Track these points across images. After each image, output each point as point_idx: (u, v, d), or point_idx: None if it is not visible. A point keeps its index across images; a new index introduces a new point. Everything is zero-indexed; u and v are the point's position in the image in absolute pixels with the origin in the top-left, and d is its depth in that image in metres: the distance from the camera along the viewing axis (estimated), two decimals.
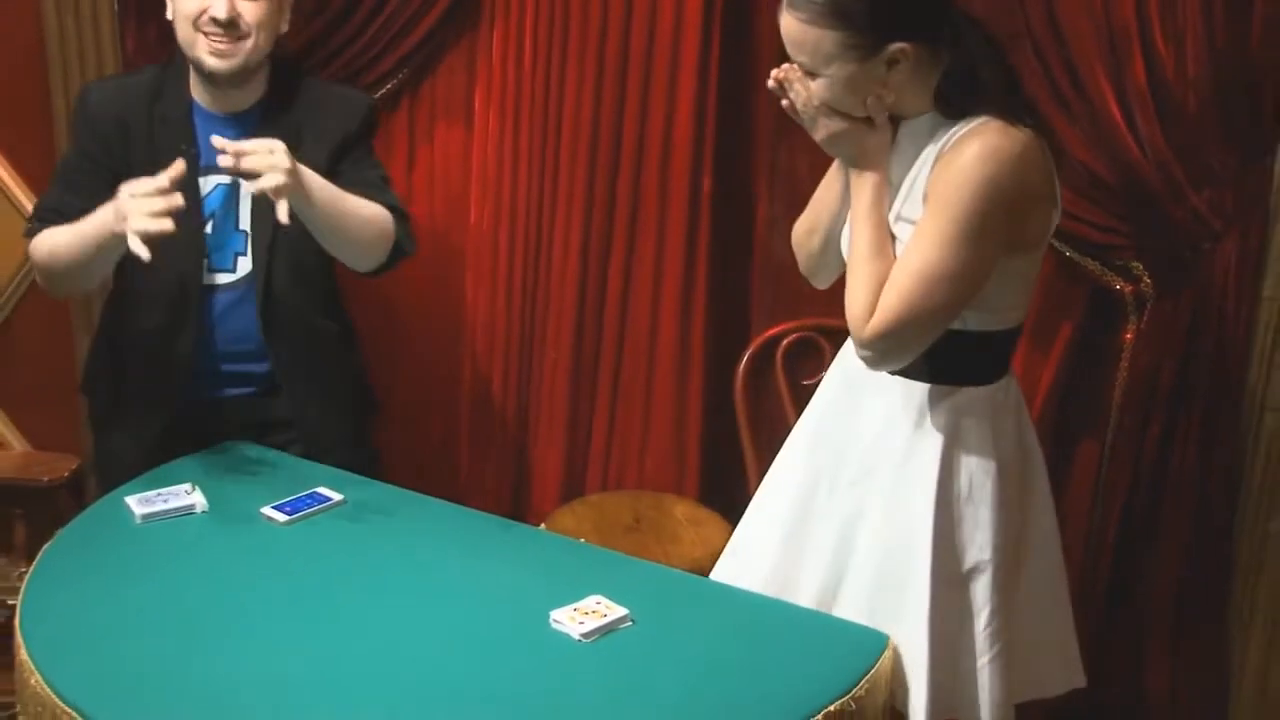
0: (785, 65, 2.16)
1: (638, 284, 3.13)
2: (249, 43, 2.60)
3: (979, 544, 2.23)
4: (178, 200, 2.32)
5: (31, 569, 2.33)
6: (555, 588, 2.21)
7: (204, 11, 2.57)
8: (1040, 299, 2.81)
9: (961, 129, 2.11)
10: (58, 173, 2.76)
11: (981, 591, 2.23)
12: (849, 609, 2.26)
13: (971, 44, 2.15)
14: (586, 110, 3.03)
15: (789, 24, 2.09)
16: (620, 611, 2.13)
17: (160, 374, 2.77)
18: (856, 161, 2.18)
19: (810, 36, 2.07)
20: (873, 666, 2.08)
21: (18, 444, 3.48)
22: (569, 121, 3.05)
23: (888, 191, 2.18)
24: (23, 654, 2.08)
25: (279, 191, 2.32)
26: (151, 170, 2.46)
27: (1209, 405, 2.73)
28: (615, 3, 2.96)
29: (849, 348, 2.35)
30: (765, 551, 2.40)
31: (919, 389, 2.23)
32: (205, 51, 2.60)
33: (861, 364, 2.26)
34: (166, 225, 2.29)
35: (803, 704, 1.97)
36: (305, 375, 2.84)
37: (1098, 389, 2.86)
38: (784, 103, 2.19)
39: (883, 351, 2.15)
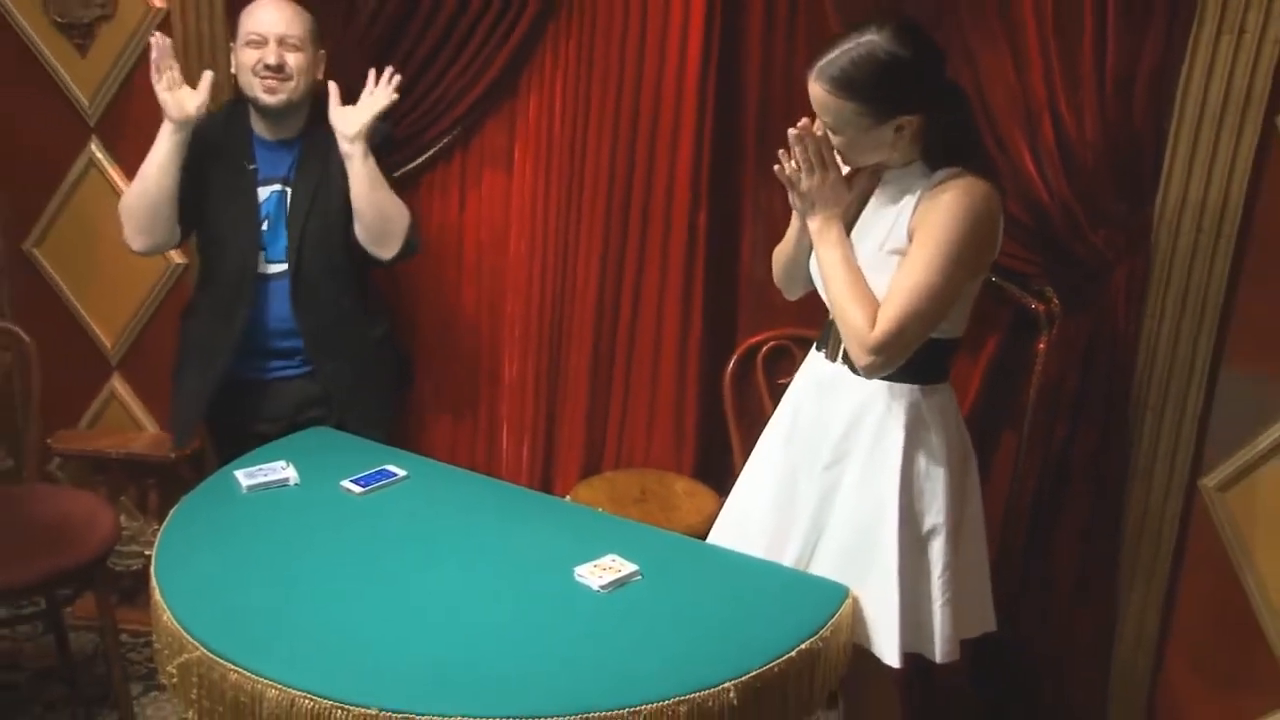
0: (801, 123, 2.19)
1: (645, 300, 3.15)
2: (292, 83, 2.76)
3: (934, 513, 2.28)
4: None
5: (162, 528, 2.35)
6: (577, 548, 2.23)
7: (260, 60, 2.73)
8: (972, 316, 2.84)
9: (940, 177, 2.17)
10: None
11: (936, 551, 2.28)
12: (824, 566, 2.30)
13: (954, 113, 2.20)
14: (604, 160, 3.06)
15: (816, 91, 2.13)
16: (631, 567, 2.17)
17: (221, 340, 2.84)
18: (825, 219, 2.22)
19: (833, 104, 2.12)
20: (836, 612, 2.11)
21: (151, 427, 3.53)
22: (590, 170, 3.08)
23: (844, 238, 2.23)
24: (157, 596, 2.12)
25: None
26: (221, 176, 2.80)
27: (1104, 404, 2.74)
28: (628, 76, 2.98)
29: (815, 358, 2.42)
30: (755, 523, 2.44)
31: (882, 388, 2.26)
32: (260, 90, 2.76)
33: (830, 371, 2.33)
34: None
35: (780, 642, 2.00)
36: (331, 348, 2.89)
37: (1016, 389, 2.87)
38: (775, 167, 2.22)
39: (887, 357, 2.16)
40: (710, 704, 1.88)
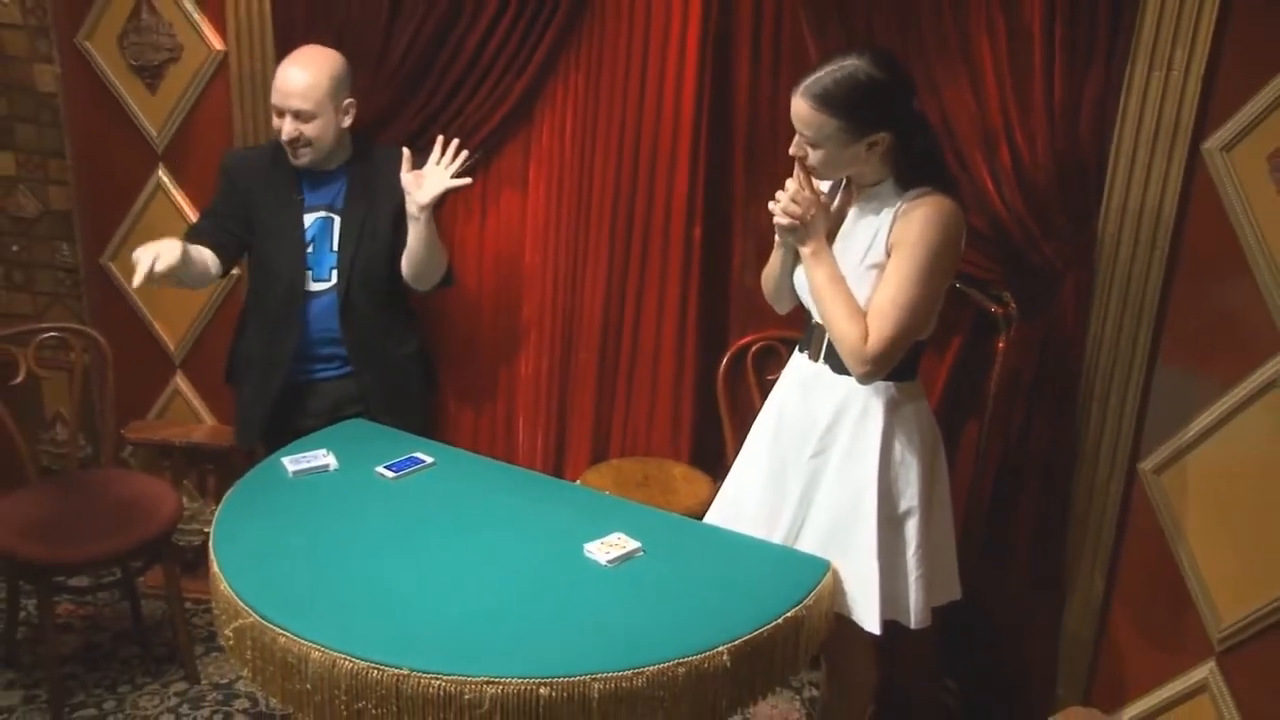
0: (789, 192, 2.20)
1: (646, 305, 3.14)
2: (310, 149, 2.76)
3: (908, 496, 2.28)
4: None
5: (219, 508, 2.35)
6: (587, 527, 2.23)
7: (279, 130, 2.73)
8: (939, 318, 2.84)
9: (912, 195, 2.16)
10: (208, 206, 2.88)
11: (910, 530, 2.29)
12: (810, 544, 2.30)
13: (923, 136, 2.19)
14: (610, 180, 3.06)
15: (800, 107, 2.12)
16: (635, 544, 2.17)
17: (275, 351, 2.85)
18: (815, 246, 2.21)
19: (815, 119, 2.11)
20: (818, 584, 2.11)
21: (209, 419, 3.53)
22: (597, 189, 3.08)
23: (832, 259, 2.22)
24: (215, 567, 2.13)
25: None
26: (269, 207, 2.79)
27: (1055, 396, 2.74)
28: (631, 105, 2.98)
29: (798, 359, 2.41)
30: (747, 508, 2.44)
31: (860, 386, 2.25)
32: (288, 153, 2.76)
33: (812, 370, 2.33)
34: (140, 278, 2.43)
35: (768, 611, 2.01)
36: (371, 358, 2.89)
37: (978, 383, 2.86)
38: (771, 204, 2.23)
39: (881, 365, 2.16)
40: (706, 665, 1.89)
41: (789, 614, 2.02)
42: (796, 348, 2.45)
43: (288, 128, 2.70)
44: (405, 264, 2.82)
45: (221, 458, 3.44)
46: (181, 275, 2.56)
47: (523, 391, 3.29)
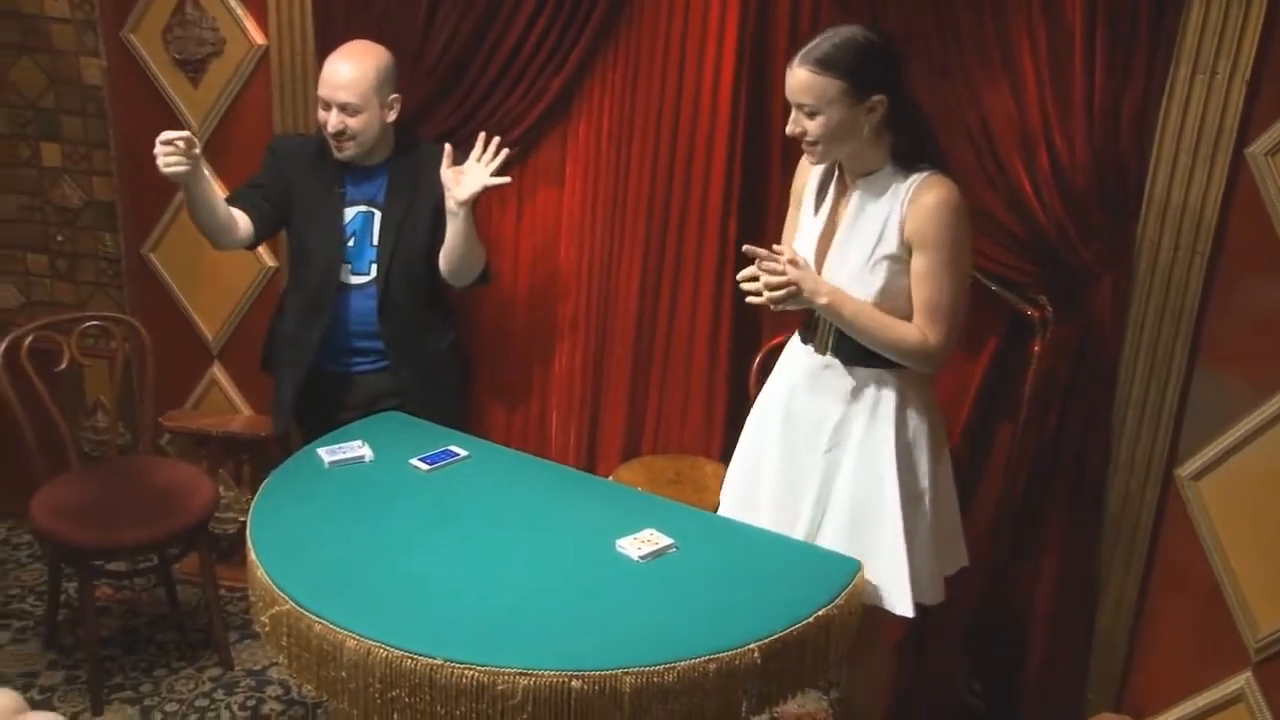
0: (749, 270, 2.22)
1: (681, 301, 3.14)
2: (354, 142, 2.78)
3: (922, 476, 2.34)
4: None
5: (256, 497, 2.38)
6: (619, 522, 2.25)
7: (324, 123, 2.76)
8: (974, 320, 2.83)
9: (915, 180, 2.21)
10: (250, 179, 2.93)
11: (924, 510, 2.35)
12: (833, 536, 2.33)
13: (917, 117, 2.26)
14: (646, 176, 3.06)
15: (800, 74, 2.17)
16: (667, 541, 2.18)
17: (306, 338, 2.89)
18: (821, 299, 2.21)
19: (817, 84, 2.16)
20: (849, 584, 2.12)
21: (245, 409, 3.56)
22: (633, 184, 3.08)
23: (844, 294, 2.24)
24: (252, 555, 2.16)
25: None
26: (310, 196, 2.82)
27: (1091, 400, 2.72)
28: (668, 101, 2.98)
29: (801, 350, 2.43)
30: (762, 499, 2.46)
31: (871, 376, 2.31)
32: (331, 146, 2.79)
33: (821, 362, 2.37)
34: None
35: (799, 609, 2.02)
36: (408, 353, 2.92)
37: (1014, 385, 2.84)
38: (749, 286, 2.23)
39: (947, 356, 2.27)
40: (736, 662, 1.91)
41: (820, 613, 2.03)
42: (798, 339, 2.47)
43: (333, 121, 2.73)
44: (443, 260, 2.85)
45: (257, 447, 3.47)
46: (196, 192, 2.65)
47: (556, 387, 3.30)
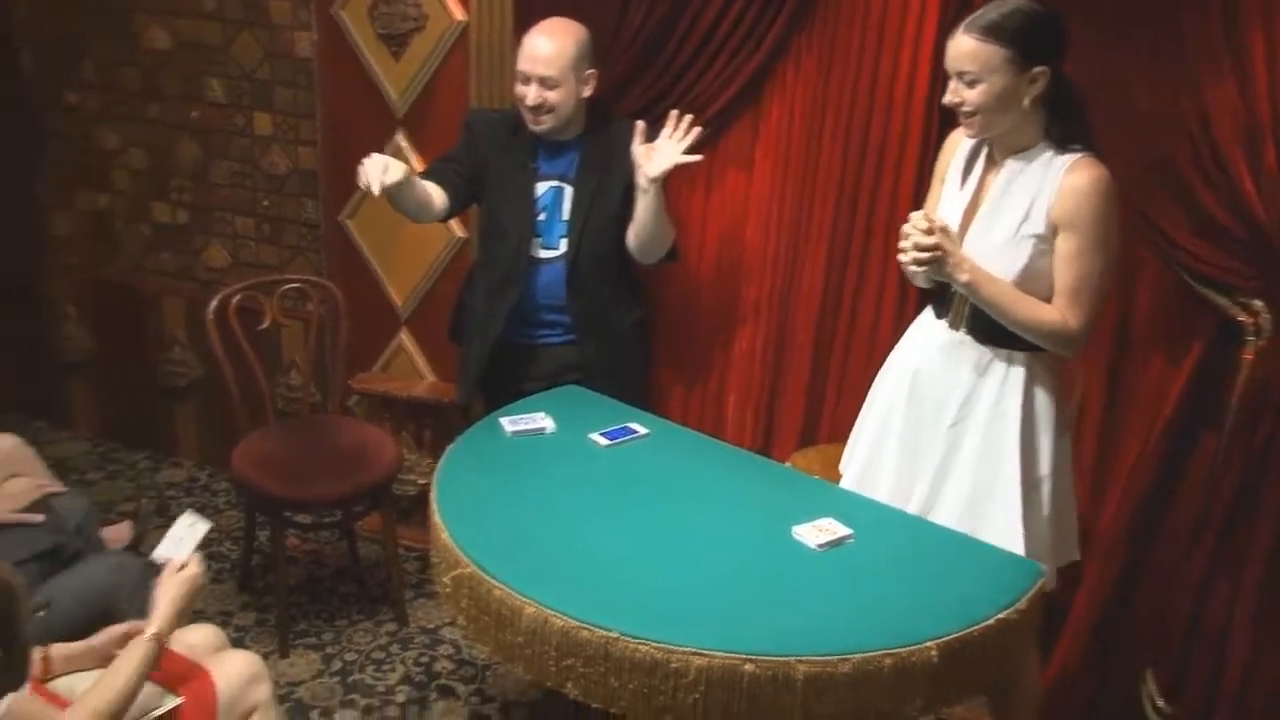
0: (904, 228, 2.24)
1: (866, 290, 3.08)
2: (552, 115, 2.83)
3: (1044, 462, 2.33)
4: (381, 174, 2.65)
5: (441, 460, 2.44)
6: (796, 508, 2.24)
7: (523, 97, 2.81)
8: (1175, 323, 2.72)
9: (1067, 160, 2.21)
10: (447, 152, 3.02)
11: (1044, 495, 2.34)
12: (949, 511, 2.35)
13: (1074, 96, 2.25)
14: (837, 160, 3.01)
15: (965, 42, 2.20)
16: (845, 530, 2.16)
17: (496, 311, 2.96)
18: (963, 275, 2.22)
19: (982, 52, 2.18)
20: (1031, 588, 2.06)
21: (429, 375, 3.66)
22: (823, 170, 3.04)
23: (985, 272, 2.24)
24: (435, 518, 2.22)
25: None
26: (504, 171, 2.90)
27: None
28: (862, 86, 2.92)
29: (934, 325, 2.44)
30: (881, 470, 2.48)
31: (1001, 355, 2.32)
32: (528, 120, 2.86)
33: (954, 339, 2.38)
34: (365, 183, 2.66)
35: (979, 610, 1.97)
36: (595, 327, 2.97)
37: (1219, 393, 2.69)
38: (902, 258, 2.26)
39: (1086, 339, 2.28)
40: (913, 659, 1.88)
41: (1000, 615, 1.98)
42: (931, 313, 2.47)
43: (532, 94, 2.80)
44: (632, 236, 2.89)
45: (440, 413, 3.58)
46: (404, 194, 2.75)
47: (736, 369, 3.30)
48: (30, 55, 3.99)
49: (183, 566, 2.19)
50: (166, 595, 2.14)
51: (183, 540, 2.24)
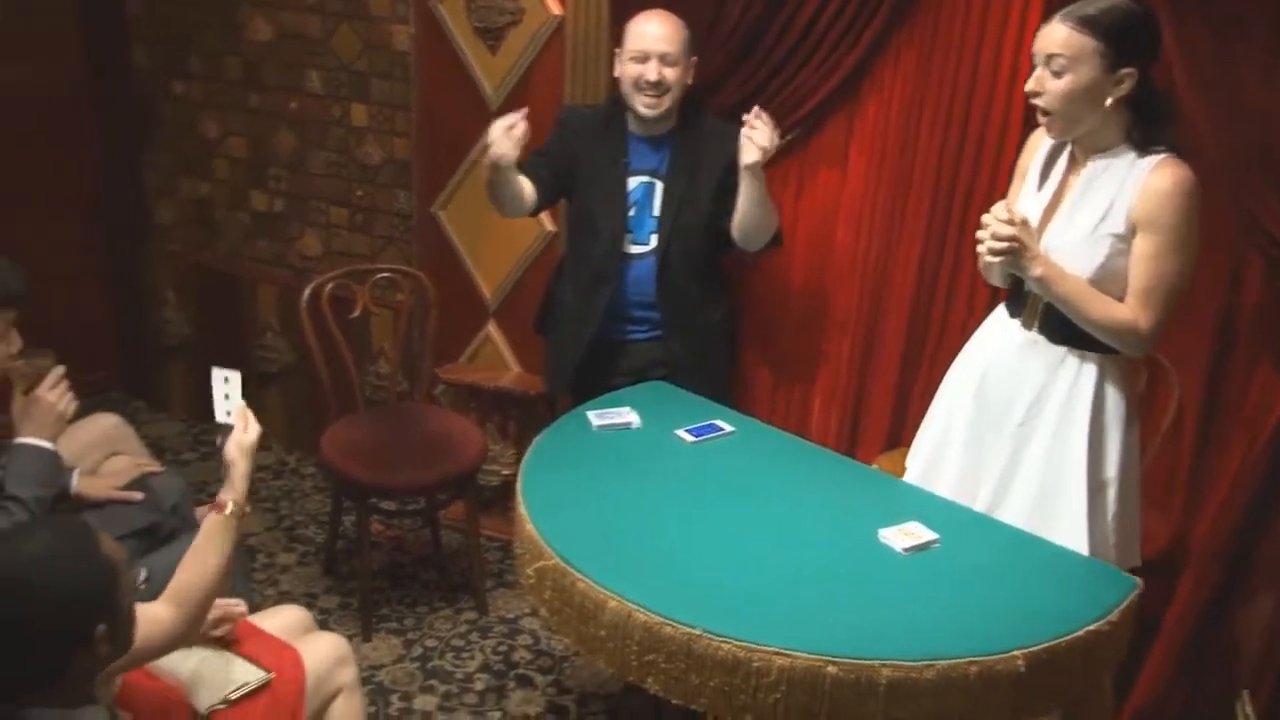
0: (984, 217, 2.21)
1: (958, 295, 3.05)
2: (668, 97, 2.84)
3: (1111, 464, 2.31)
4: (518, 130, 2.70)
5: (528, 452, 2.45)
6: (882, 511, 2.22)
7: (640, 77, 2.81)
8: None
9: (1151, 161, 2.18)
10: (538, 147, 3.01)
11: (1110, 499, 2.32)
12: (1014, 511, 2.34)
13: (1159, 97, 2.22)
14: (932, 163, 2.99)
15: (1060, 30, 2.17)
16: (932, 535, 2.15)
17: (590, 307, 2.98)
18: (1037, 269, 2.19)
19: (1075, 41, 2.14)
20: (1124, 600, 2.01)
21: (515, 367, 3.69)
22: (919, 171, 3.02)
23: (1059, 268, 2.21)
24: (521, 508, 2.24)
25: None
26: (596, 166, 2.92)
27: None
28: (961, 85, 2.90)
29: (1007, 324, 2.41)
30: (946, 471, 2.47)
31: (1074, 356, 2.29)
32: (640, 104, 2.86)
33: (1027, 338, 2.36)
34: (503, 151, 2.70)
35: (1068, 620, 1.94)
36: (682, 324, 2.97)
37: None
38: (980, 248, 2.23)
39: (1156, 341, 2.25)
40: (999, 668, 1.85)
41: (1091, 627, 1.94)
42: (1004, 311, 2.44)
43: (652, 70, 2.81)
44: (736, 225, 2.88)
45: (525, 404, 3.62)
46: (508, 179, 2.80)
47: (822, 369, 3.29)
48: (143, 49, 4.13)
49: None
50: (238, 468, 2.12)
51: (229, 396, 2.18)
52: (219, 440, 2.19)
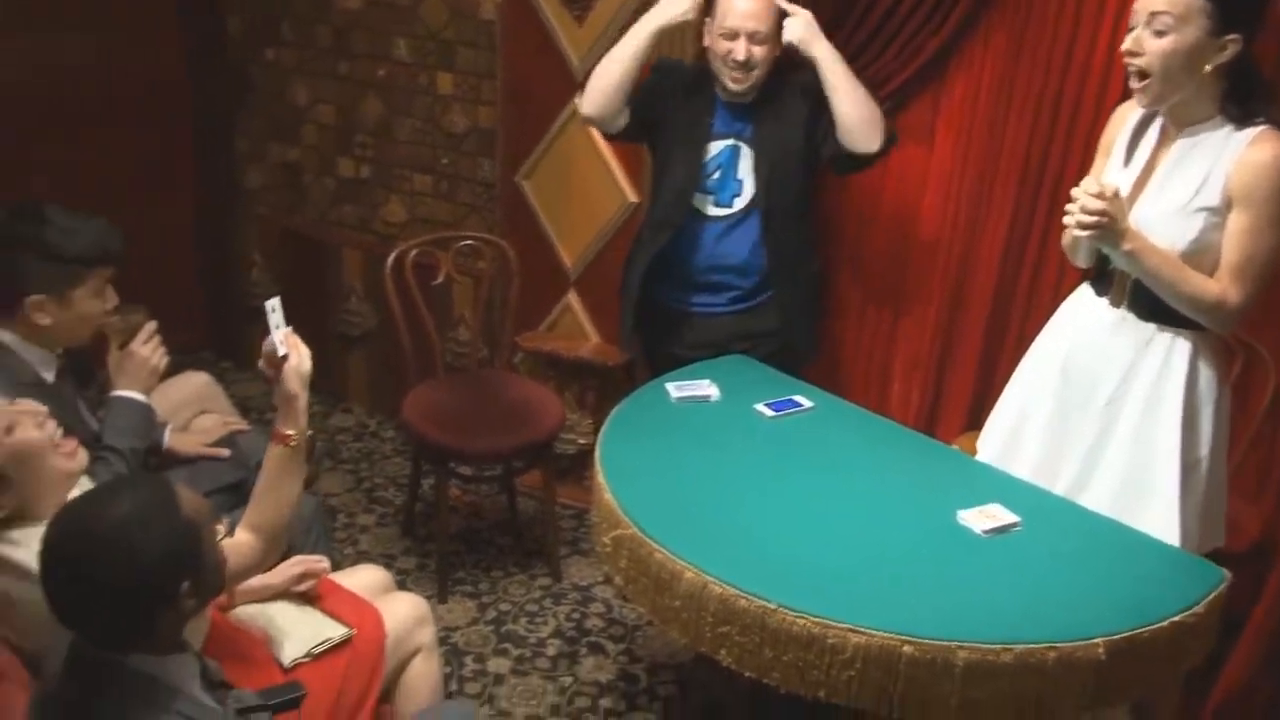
0: (1079, 199, 2.14)
1: (1045, 274, 3.02)
2: (755, 74, 2.82)
3: (1203, 444, 2.26)
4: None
5: (606, 423, 2.48)
6: (962, 492, 2.22)
7: (729, 53, 2.79)
8: None
9: (1248, 134, 2.11)
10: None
11: (1199, 480, 2.27)
12: (1100, 494, 2.30)
13: (1257, 72, 2.15)
14: (1022, 140, 2.95)
15: None
16: (1013, 517, 2.13)
17: (644, 254, 3.00)
18: (1130, 241, 2.15)
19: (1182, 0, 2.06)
20: (1211, 592, 1.98)
21: (594, 337, 3.71)
22: (1007, 151, 2.98)
23: (1148, 242, 2.16)
24: (599, 478, 2.26)
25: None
26: (681, 121, 2.92)
27: None
28: (1055, 64, 2.85)
29: (1094, 302, 2.36)
30: (1027, 450, 2.43)
31: (1165, 334, 2.24)
32: (727, 80, 2.84)
33: (1115, 316, 2.31)
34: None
35: (1151, 610, 1.92)
36: (786, 277, 2.97)
37: None
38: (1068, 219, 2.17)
39: (1243, 314, 2.18)
40: (1079, 655, 1.84)
41: (1176, 618, 1.91)
42: (1090, 289, 2.39)
43: (742, 49, 2.79)
44: (839, 126, 2.81)
45: (603, 374, 3.64)
46: (645, 54, 2.86)
47: (903, 346, 3.28)
48: (237, 18, 4.21)
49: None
50: (300, 400, 2.09)
51: (278, 326, 2.12)
52: (260, 363, 2.16)
